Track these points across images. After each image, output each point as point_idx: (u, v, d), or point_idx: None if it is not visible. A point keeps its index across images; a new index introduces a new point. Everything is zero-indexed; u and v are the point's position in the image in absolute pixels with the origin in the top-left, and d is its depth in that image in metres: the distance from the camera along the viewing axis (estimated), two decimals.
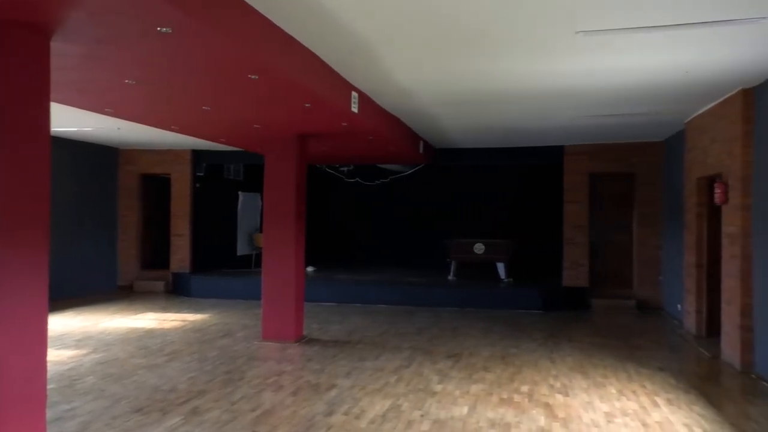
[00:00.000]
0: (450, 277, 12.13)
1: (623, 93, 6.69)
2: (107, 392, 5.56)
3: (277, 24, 4.37)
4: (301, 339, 7.96)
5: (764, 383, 5.96)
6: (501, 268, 11.86)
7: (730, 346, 6.76)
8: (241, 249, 13.35)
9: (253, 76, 4.74)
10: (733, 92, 6.63)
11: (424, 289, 11.27)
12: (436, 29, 4.53)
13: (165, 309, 10.48)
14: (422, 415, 4.98)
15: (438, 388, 5.79)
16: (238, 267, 13.23)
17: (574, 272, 11.26)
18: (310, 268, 13.14)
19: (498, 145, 11.39)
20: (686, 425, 4.80)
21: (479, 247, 11.84)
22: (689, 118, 8.38)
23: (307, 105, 5.90)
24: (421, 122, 8.83)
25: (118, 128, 9.59)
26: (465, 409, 5.14)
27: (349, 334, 8.38)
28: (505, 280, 11.77)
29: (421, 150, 10.41)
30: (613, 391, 5.74)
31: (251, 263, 13.40)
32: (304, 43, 4.88)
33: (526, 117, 8.31)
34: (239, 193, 13.50)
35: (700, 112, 7.86)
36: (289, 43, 4.67)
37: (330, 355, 7.10)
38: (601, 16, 4.18)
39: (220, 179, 13.47)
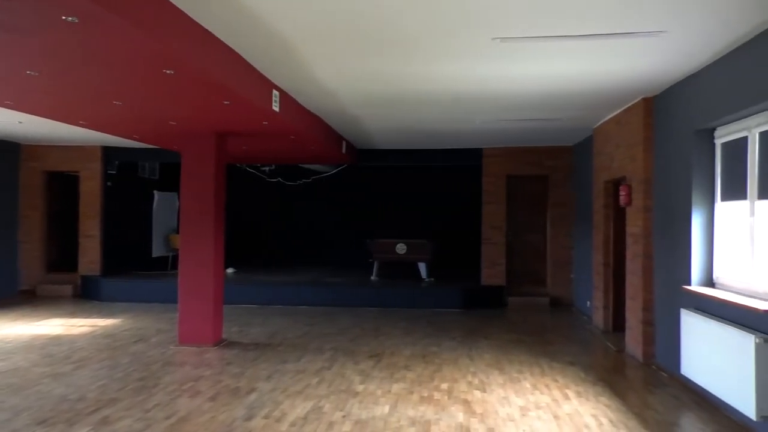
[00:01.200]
0: (372, 277, 12.19)
1: (537, 99, 6.96)
2: (6, 404, 5.20)
3: (194, 18, 4.23)
4: (220, 342, 7.75)
5: (663, 374, 6.38)
6: (422, 267, 12.05)
7: (633, 340, 7.18)
8: (157, 250, 12.85)
9: (168, 71, 4.57)
10: (635, 101, 7.06)
11: (347, 289, 11.27)
12: (358, 31, 4.54)
13: (73, 314, 9.91)
14: (344, 416, 4.97)
15: (360, 388, 5.81)
16: (153, 269, 12.72)
17: (492, 271, 11.61)
18: (229, 270, 12.83)
19: (419, 146, 11.58)
20: (594, 416, 5.06)
21: (401, 247, 11.98)
22: (597, 125, 8.84)
23: (226, 102, 5.76)
24: (343, 122, 8.83)
25: (20, 122, 8.98)
26: (386, 409, 5.18)
27: (270, 336, 8.25)
28: (427, 279, 11.96)
29: (343, 150, 10.41)
30: (528, 385, 5.96)
31: (167, 265, 12.92)
32: (223, 39, 4.76)
33: (446, 119, 8.49)
34: (154, 192, 12.98)
35: (607, 118, 8.31)
36: (207, 38, 4.54)
37: (250, 358, 6.96)
38: (516, 24, 4.33)
39: (134, 178, 12.90)
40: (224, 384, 5.90)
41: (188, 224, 7.64)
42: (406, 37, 4.69)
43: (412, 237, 12.34)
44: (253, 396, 5.51)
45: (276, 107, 6.29)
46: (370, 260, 12.29)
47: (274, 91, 6.24)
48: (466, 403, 5.37)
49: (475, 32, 4.54)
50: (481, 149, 11.64)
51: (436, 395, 5.61)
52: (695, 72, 5.68)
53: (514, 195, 11.82)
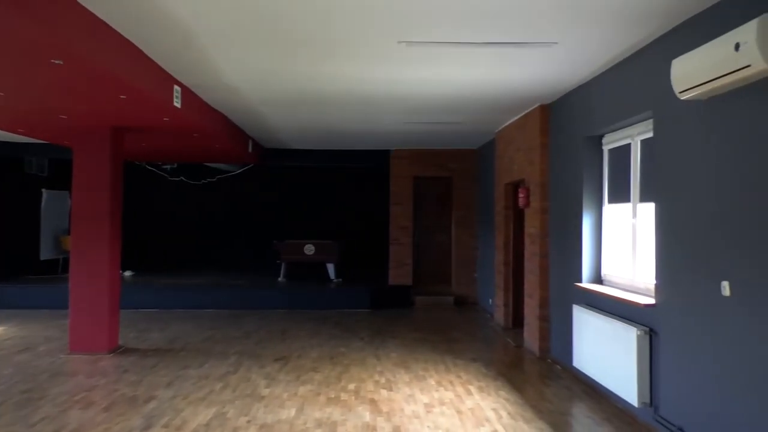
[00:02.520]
0: (280, 279, 12.03)
1: (442, 102, 7.16)
2: None
3: (85, 5, 3.99)
4: (116, 349, 7.36)
5: (557, 367, 6.74)
6: (330, 268, 12.04)
7: (531, 335, 7.54)
8: (46, 253, 12.00)
9: (56, 61, 4.29)
10: (533, 107, 7.42)
11: (253, 291, 11.05)
12: (263, 28, 4.47)
13: None
14: (248, 421, 4.87)
15: (265, 392, 5.71)
16: (41, 273, 11.87)
17: (399, 271, 11.79)
18: (127, 273, 12.23)
19: (328, 146, 11.56)
20: (494, 409, 5.26)
21: (309, 248, 11.90)
22: (499, 129, 9.21)
23: (122, 97, 5.48)
24: (249, 121, 8.65)
25: None
26: (293, 411, 5.13)
27: (171, 342, 7.93)
28: (335, 280, 11.96)
29: (250, 149, 10.20)
30: (433, 382, 6.11)
31: (58, 268, 12.10)
32: (119, 30, 4.52)
33: (355, 120, 8.53)
34: (43, 190, 12.10)
35: (508, 123, 8.68)
36: (101, 28, 4.29)
37: (149, 365, 6.66)
38: (420, 29, 4.42)
39: (20, 174, 11.96)
40: (120, 393, 5.61)
41: (81, 225, 7.20)
42: (313, 37, 4.67)
43: (321, 238, 12.30)
44: (151, 405, 5.28)
45: (177, 103, 6.06)
46: (278, 261, 12.12)
47: (176, 87, 6.01)
48: (373, 403, 5.42)
49: (381, 35, 4.60)
50: (389, 151, 11.80)
51: (343, 396, 5.62)
52: (585, 82, 6.05)
53: (421, 196, 12.07)
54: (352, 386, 5.94)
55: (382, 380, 6.18)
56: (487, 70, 5.61)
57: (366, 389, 5.85)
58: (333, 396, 5.61)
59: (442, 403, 5.44)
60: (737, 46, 3.23)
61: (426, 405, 5.38)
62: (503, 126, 8.94)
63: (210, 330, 8.78)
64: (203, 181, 13.43)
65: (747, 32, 3.17)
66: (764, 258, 3.36)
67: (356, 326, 9.24)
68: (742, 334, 3.58)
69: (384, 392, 5.76)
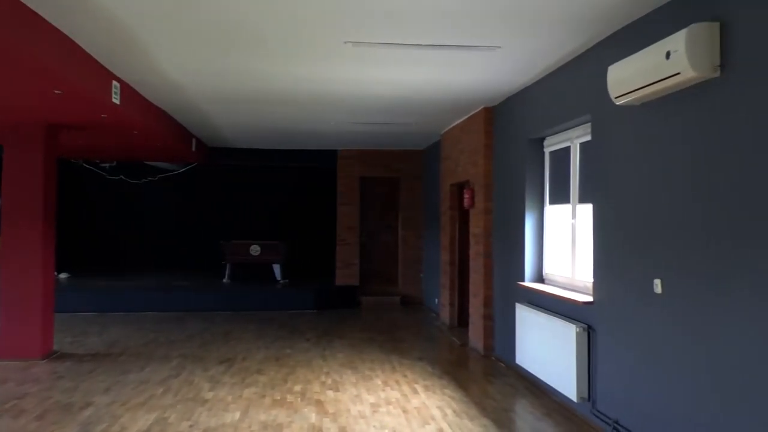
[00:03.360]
0: (224, 280, 11.81)
1: (388, 103, 7.19)
2: None
3: None
4: (50, 355, 7.06)
5: (501, 364, 6.88)
6: (277, 269, 11.91)
7: (475, 334, 7.67)
8: None
9: None
10: (478, 109, 7.56)
11: (196, 293, 10.81)
12: (206, 26, 4.38)
13: None
14: (191, 426, 4.76)
15: (209, 395, 5.60)
16: None
17: (346, 272, 11.78)
18: (63, 275, 11.76)
19: (275, 146, 11.43)
20: (439, 407, 5.32)
21: (255, 249, 11.74)
22: (444, 130, 9.33)
23: (57, 92, 5.26)
24: (193, 119, 8.46)
25: None
26: (237, 415, 5.05)
27: (110, 346, 7.67)
28: (281, 281, 11.84)
29: (193, 148, 9.97)
30: (379, 382, 6.13)
31: None
32: (53, 23, 4.34)
33: (302, 120, 8.47)
34: None
35: (453, 125, 8.80)
36: (33, 20, 4.11)
37: (86, 371, 6.42)
38: (366, 29, 4.43)
39: None
40: (54, 400, 5.39)
41: (11, 225, 6.87)
42: (258, 35, 4.61)
43: (267, 238, 12.15)
44: (88, 411, 5.09)
45: (116, 99, 5.87)
46: (223, 262, 11.90)
47: (114, 83, 5.82)
48: (319, 404, 5.40)
49: (327, 35, 4.58)
50: (336, 151, 11.78)
51: (289, 398, 5.57)
52: (527, 86, 6.21)
53: (368, 196, 12.09)
54: (298, 388, 5.90)
55: (329, 381, 6.16)
56: (432, 72, 5.68)
57: (312, 390, 5.82)
58: (279, 398, 5.56)
59: (388, 402, 5.47)
60: (668, 55, 3.38)
61: (372, 405, 5.39)
62: (449, 127, 9.06)
63: (152, 333, 8.54)
64: (144, 180, 13.04)
65: (677, 41, 3.32)
66: (692, 257, 3.53)
67: (303, 327, 9.18)
68: (672, 329, 3.74)
69: (330, 393, 5.74)
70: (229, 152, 11.73)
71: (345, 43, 4.75)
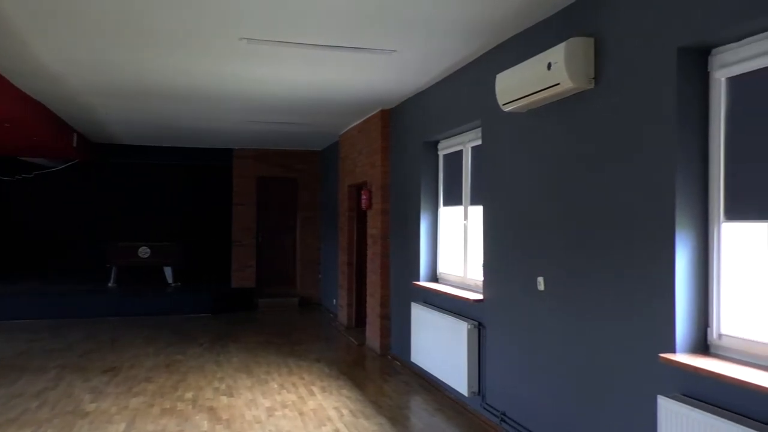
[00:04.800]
0: (110, 284, 11.14)
1: (286, 103, 7.11)
2: None
3: None
4: None
5: (397, 363, 7.01)
6: (168, 272, 11.41)
7: (372, 333, 7.76)
8: None
9: None
10: (375, 111, 7.65)
11: (78, 298, 10.12)
12: (89, 15, 4.11)
13: None
14: None
15: (91, 407, 5.27)
16: None
17: (242, 274, 11.51)
18: None
19: (166, 143, 10.94)
20: (336, 408, 5.33)
21: (144, 251, 11.17)
22: (343, 131, 9.36)
23: None
24: (74, 112, 7.91)
25: None
26: (122, 426, 4.78)
27: None
28: (173, 284, 11.36)
29: (74, 144, 9.32)
30: (275, 386, 6.04)
31: None
32: None
33: (194, 117, 8.16)
34: None
35: (351, 126, 8.85)
36: None
37: None
38: (262, 26, 4.35)
39: None
40: None
41: None
42: (148, 27, 4.38)
43: (158, 240, 11.61)
44: None
45: None
46: (108, 266, 11.22)
47: None
48: (212, 411, 5.23)
49: (222, 30, 4.45)
50: (232, 149, 11.47)
51: (180, 405, 5.36)
52: (423, 90, 6.36)
53: (265, 197, 11.88)
54: (189, 395, 5.69)
55: (222, 387, 5.99)
56: (330, 72, 5.67)
57: (204, 397, 5.63)
58: (168, 406, 5.33)
59: (284, 405, 5.40)
60: (549, 66, 3.60)
61: (268, 409, 5.30)
62: (347, 129, 9.10)
63: (26, 343, 7.90)
64: (17, 177, 12.01)
65: (557, 54, 3.54)
66: (570, 255, 3.78)
67: (196, 332, 8.86)
68: (551, 324, 3.98)
69: (224, 399, 5.58)
70: (117, 149, 11.08)
71: (240, 39, 4.64)
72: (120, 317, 9.87)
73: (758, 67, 2.72)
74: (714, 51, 2.92)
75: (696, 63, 2.95)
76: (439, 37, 4.56)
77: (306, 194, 11.88)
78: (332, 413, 5.19)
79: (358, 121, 8.43)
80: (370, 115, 7.88)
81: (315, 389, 5.92)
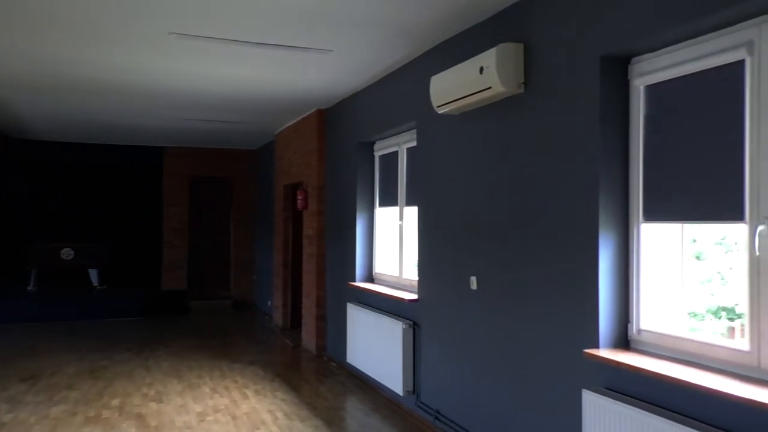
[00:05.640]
0: (30, 288, 10.56)
1: (218, 100, 6.95)
2: None
3: None
4: None
5: (333, 364, 6.98)
6: (94, 274, 10.92)
7: (308, 335, 7.70)
8: None
9: None
10: (311, 111, 7.60)
11: None
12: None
13: None
14: None
15: (7, 417, 4.98)
16: None
17: (174, 275, 11.18)
18: None
19: (92, 140, 10.48)
20: (270, 411, 5.26)
21: (67, 253, 10.65)
22: (278, 130, 9.25)
23: None
24: None
25: None
26: None
27: None
28: (99, 287, 10.88)
29: None
30: (207, 390, 5.90)
31: None
32: None
33: (122, 113, 7.86)
34: None
35: (286, 125, 8.76)
36: None
37: None
38: (192, 21, 4.23)
39: None
40: None
41: None
42: (68, 17, 4.18)
43: (82, 241, 11.09)
44: None
45: None
46: (27, 268, 10.63)
47: None
48: (140, 417, 5.05)
49: (151, 23, 4.30)
50: (163, 148, 11.12)
51: (105, 413, 5.14)
52: (359, 90, 6.37)
53: (198, 197, 11.58)
54: (115, 402, 5.47)
55: (151, 392, 5.79)
56: (264, 71, 5.59)
57: (132, 404, 5.43)
58: (92, 414, 5.11)
59: (216, 410, 5.28)
60: (481, 70, 3.68)
61: (199, 414, 5.17)
62: (282, 128, 9.00)
63: None
64: None
65: (489, 58, 3.63)
66: (501, 255, 3.88)
67: (124, 336, 8.54)
68: (485, 322, 4.07)
69: (153, 405, 5.40)
70: (37, 145, 10.52)
71: (169, 34, 4.50)
72: (41, 322, 9.39)
73: (672, 77, 2.87)
74: (633, 60, 3.07)
75: (617, 71, 3.09)
76: (375, 38, 4.57)
77: (240, 194, 11.66)
78: (266, 416, 5.12)
79: (294, 121, 8.35)
80: (305, 114, 7.82)
81: (249, 392, 5.82)
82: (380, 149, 6.29)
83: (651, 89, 3.02)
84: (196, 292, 11.33)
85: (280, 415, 5.16)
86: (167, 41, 4.68)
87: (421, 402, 4.94)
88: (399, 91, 5.44)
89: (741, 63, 2.55)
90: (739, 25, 2.55)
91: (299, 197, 7.87)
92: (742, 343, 2.59)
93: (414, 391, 5.07)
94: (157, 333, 8.84)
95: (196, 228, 11.54)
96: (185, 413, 5.19)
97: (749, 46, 2.51)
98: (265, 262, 10.61)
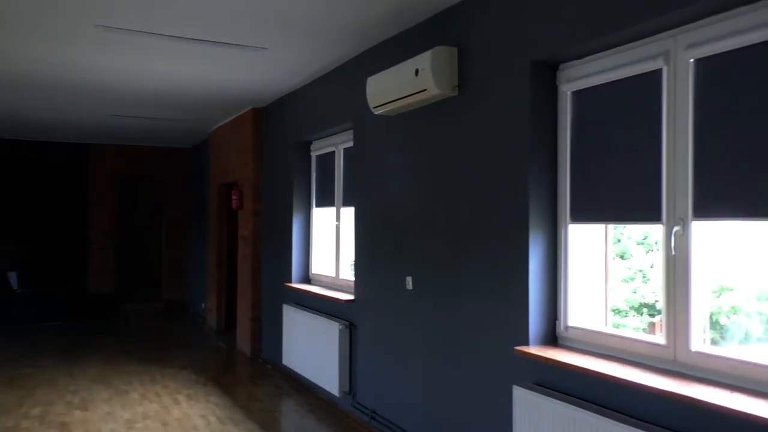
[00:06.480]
0: None
1: (150, 97, 6.73)
2: None
3: None
4: None
5: (268, 366, 6.89)
6: (13, 277, 10.33)
7: (243, 337, 7.57)
8: None
9: None
10: (246, 109, 7.47)
11: None
12: None
13: None
14: None
15: None
16: None
17: (101, 277, 10.73)
18: None
19: (11, 136, 9.92)
20: (203, 416, 5.14)
21: None
22: (213, 129, 9.04)
23: None
24: None
25: None
26: None
27: None
28: (19, 290, 10.30)
29: None
30: (136, 396, 5.70)
31: None
32: None
33: (45, 108, 7.47)
34: None
35: (222, 124, 8.57)
36: None
37: None
38: (119, 13, 4.07)
39: None
40: None
41: None
42: None
43: (0, 242, 10.48)
44: None
45: None
46: None
47: None
48: (64, 426, 4.83)
49: (75, 15, 4.10)
50: (90, 145, 10.65)
51: (25, 423, 4.89)
52: (296, 89, 6.31)
53: (128, 196, 11.16)
54: (36, 411, 5.21)
55: (76, 400, 5.55)
56: (197, 67, 5.45)
57: (55, 412, 5.18)
58: (11, 425, 4.84)
59: (146, 417, 5.11)
60: (417, 72, 3.72)
61: (127, 421, 4.99)
62: (217, 126, 8.81)
63: None
64: None
65: (424, 61, 3.67)
66: (436, 255, 3.93)
67: (47, 342, 8.15)
68: (420, 322, 4.12)
69: (78, 413, 5.17)
70: None
71: (95, 26, 4.32)
72: None
73: (597, 83, 3.00)
74: (561, 66, 3.18)
75: (546, 77, 3.20)
76: (311, 37, 4.54)
77: (174, 194, 11.32)
78: (198, 422, 4.99)
79: (229, 119, 8.19)
80: (241, 113, 7.69)
81: (180, 397, 5.66)
82: (317, 149, 6.25)
83: (578, 95, 3.13)
84: (126, 295, 10.93)
85: (213, 419, 5.05)
86: (93, 34, 4.49)
87: (357, 402, 4.95)
88: (336, 92, 5.43)
89: (659, 72, 2.69)
90: (656, 36, 2.69)
91: (234, 197, 7.72)
92: (659, 337, 2.73)
93: (350, 392, 5.07)
94: (83, 338, 8.48)
95: (126, 228, 11.11)
96: (112, 421, 5.00)
97: (666, 56, 2.65)
98: (199, 263, 10.35)
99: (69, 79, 5.91)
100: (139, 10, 4.00)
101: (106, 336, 8.68)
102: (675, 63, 2.62)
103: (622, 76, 2.86)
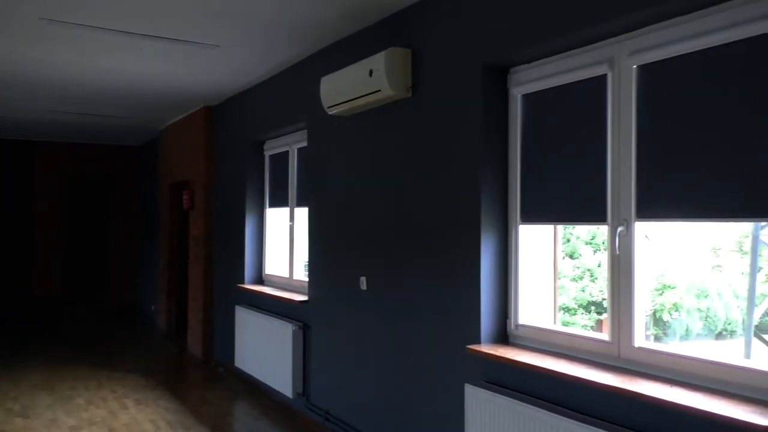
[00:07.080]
0: None
1: (98, 93, 6.52)
2: None
3: None
4: None
5: (220, 368, 6.77)
6: None
7: (194, 339, 7.42)
8: None
9: None
10: (198, 108, 7.33)
11: None
12: None
13: None
14: None
15: None
16: None
17: (46, 280, 10.34)
18: None
19: None
20: (152, 421, 5.01)
21: None
22: (163, 127, 8.84)
23: None
24: None
25: None
26: None
27: None
28: None
29: None
30: (82, 402, 5.52)
31: None
32: None
33: None
34: None
35: (172, 122, 8.39)
36: None
37: None
38: (66, 6, 3.94)
39: None
40: None
41: None
42: None
43: None
44: None
45: None
46: None
47: None
48: None
49: (18, 6, 3.95)
50: (33, 142, 10.25)
51: None
52: (249, 88, 6.23)
53: (75, 195, 10.79)
54: None
55: (17, 407, 5.33)
56: (146, 63, 5.32)
57: None
58: None
59: (92, 423, 4.95)
60: (371, 73, 3.73)
61: (72, 428, 4.83)
62: (168, 124, 8.61)
63: None
64: None
65: (378, 61, 3.68)
66: (390, 256, 3.95)
67: None
68: (374, 322, 4.13)
69: (18, 421, 4.97)
70: None
71: (40, 19, 4.16)
72: None
73: (546, 87, 3.07)
74: (512, 70, 3.24)
75: (497, 80, 3.25)
76: (264, 35, 4.50)
77: (122, 193, 11.01)
78: (148, 426, 4.87)
79: (180, 117, 8.02)
80: (192, 111, 7.54)
81: (129, 402, 5.51)
82: (270, 149, 6.19)
83: (528, 98, 3.20)
84: (73, 297, 10.56)
85: (163, 424, 4.93)
86: (38, 27, 4.32)
87: (311, 404, 4.92)
88: (289, 91, 5.39)
89: (604, 77, 2.78)
90: (602, 42, 2.77)
91: (185, 197, 7.56)
92: (604, 334, 2.81)
93: (304, 393, 5.04)
94: (26, 342, 8.15)
95: (73, 228, 10.74)
96: (56, 428, 4.83)
97: (610, 62, 2.74)
98: (149, 264, 10.10)
99: (12, 73, 5.68)
100: (86, 4, 3.88)
101: (51, 340, 8.37)
102: (619, 69, 2.71)
103: (570, 81, 2.94)
